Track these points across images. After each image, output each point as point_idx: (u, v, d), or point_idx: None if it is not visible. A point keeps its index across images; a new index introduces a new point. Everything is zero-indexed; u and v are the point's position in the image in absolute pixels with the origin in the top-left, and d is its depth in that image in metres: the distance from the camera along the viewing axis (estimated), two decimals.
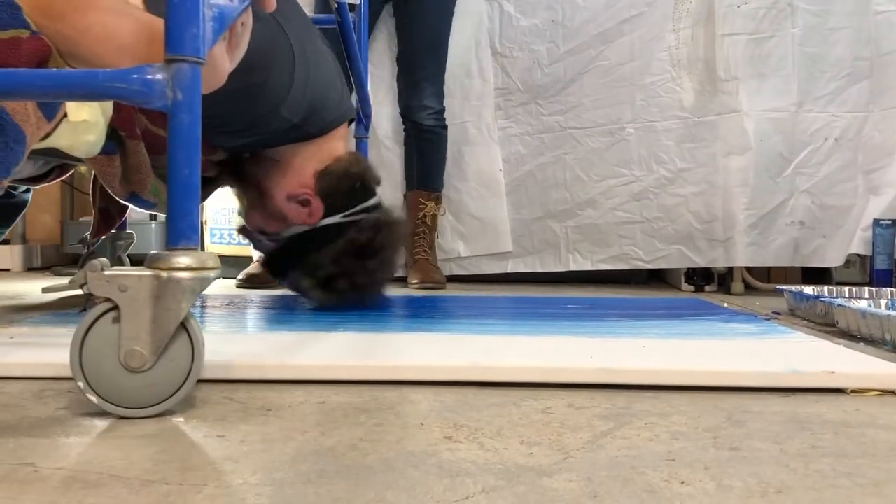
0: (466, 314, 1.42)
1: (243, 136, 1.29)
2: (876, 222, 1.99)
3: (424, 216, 2.24)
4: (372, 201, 1.40)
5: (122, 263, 1.88)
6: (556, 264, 2.31)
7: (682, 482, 0.54)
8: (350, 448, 0.62)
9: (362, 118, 1.87)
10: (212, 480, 0.53)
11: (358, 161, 1.44)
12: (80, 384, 0.69)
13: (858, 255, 2.17)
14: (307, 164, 1.35)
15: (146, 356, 0.68)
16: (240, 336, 1.12)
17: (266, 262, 1.49)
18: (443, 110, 2.24)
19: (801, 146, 2.10)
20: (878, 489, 0.54)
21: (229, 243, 2.61)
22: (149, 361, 0.68)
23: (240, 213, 1.51)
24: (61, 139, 0.93)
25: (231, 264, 2.59)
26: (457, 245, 2.35)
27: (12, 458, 0.58)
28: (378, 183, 1.45)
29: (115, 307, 0.68)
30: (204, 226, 2.60)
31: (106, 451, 0.60)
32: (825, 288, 1.62)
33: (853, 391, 0.84)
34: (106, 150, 1.06)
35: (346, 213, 1.36)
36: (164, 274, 0.67)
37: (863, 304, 1.35)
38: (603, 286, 2.31)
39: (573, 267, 2.31)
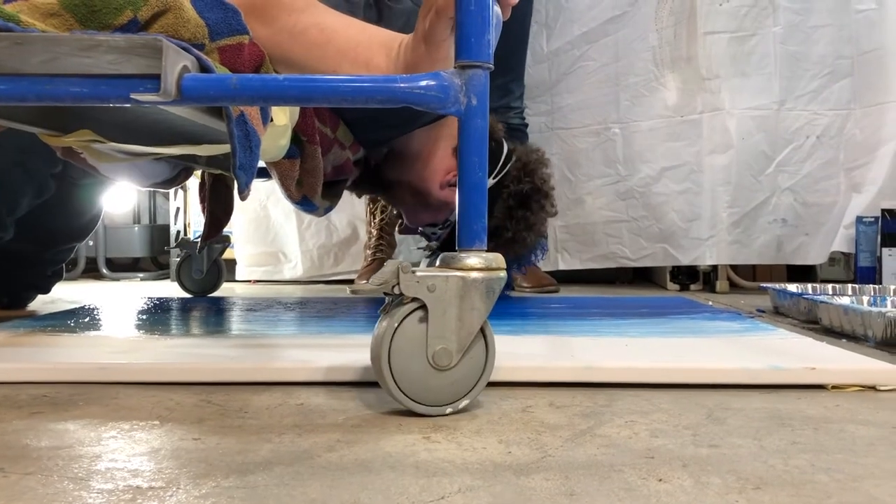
0: None
1: (395, 128, 1.31)
2: (859, 220, 2.00)
3: None
4: (506, 150, 1.45)
5: (218, 267, 1.89)
6: (545, 264, 2.30)
7: (660, 479, 0.54)
8: (326, 449, 0.61)
9: None
10: (185, 486, 0.53)
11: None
12: (390, 385, 0.71)
13: (843, 253, 2.17)
14: (442, 147, 1.36)
15: (453, 354, 0.70)
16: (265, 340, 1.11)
17: (443, 248, 1.49)
18: (525, 108, 2.21)
19: (784, 144, 2.11)
20: (856, 484, 0.54)
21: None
22: (455, 359, 0.71)
23: (399, 216, 1.53)
24: (264, 143, 0.93)
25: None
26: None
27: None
28: (503, 132, 1.49)
29: (423, 307, 0.70)
30: (188, 228, 2.58)
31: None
32: (809, 285, 1.62)
33: (834, 387, 0.84)
34: (289, 155, 1.07)
35: (495, 173, 1.41)
36: (469, 274, 0.70)
37: (845, 301, 1.35)
38: (589, 285, 2.32)
39: (562, 266, 2.31)
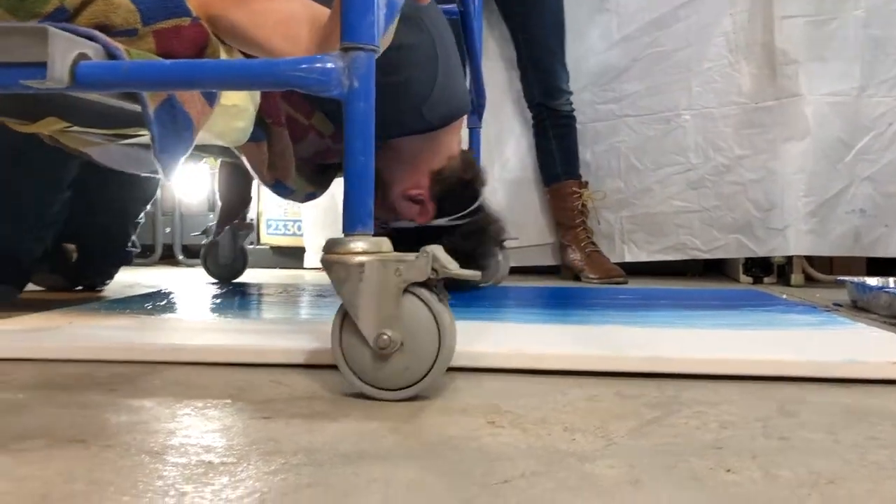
0: (515, 304, 1.41)
1: (382, 129, 1.31)
2: None
3: (583, 206, 2.21)
4: (475, 205, 1.44)
5: (244, 253, 1.94)
6: (611, 255, 2.27)
7: (728, 470, 0.53)
8: (391, 431, 0.62)
9: (476, 108, 1.86)
10: (255, 461, 0.54)
11: (470, 165, 1.46)
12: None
13: None
14: (426, 161, 1.37)
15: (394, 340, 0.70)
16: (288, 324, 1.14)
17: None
18: (572, 93, 2.21)
19: (863, 132, 2.03)
20: None
21: (284, 234, 2.64)
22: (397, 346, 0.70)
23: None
24: (216, 125, 0.96)
25: (286, 255, 2.64)
26: None
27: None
28: (484, 185, 1.48)
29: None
30: (260, 217, 2.64)
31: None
32: (891, 279, 1.56)
33: None
34: (254, 137, 1.09)
35: (453, 217, 1.40)
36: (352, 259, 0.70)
37: None
38: (658, 278, 2.28)
39: (628, 258, 2.28)
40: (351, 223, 0.72)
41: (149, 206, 1.70)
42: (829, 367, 0.82)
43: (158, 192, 2.70)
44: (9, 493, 0.47)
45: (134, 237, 1.67)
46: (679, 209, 2.21)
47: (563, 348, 0.88)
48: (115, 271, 1.68)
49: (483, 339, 0.96)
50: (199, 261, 1.99)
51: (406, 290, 0.70)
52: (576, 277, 2.19)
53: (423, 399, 0.72)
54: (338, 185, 2.35)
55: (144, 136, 0.95)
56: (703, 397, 0.75)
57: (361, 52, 0.71)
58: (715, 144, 2.15)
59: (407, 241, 1.43)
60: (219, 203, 1.90)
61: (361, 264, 0.69)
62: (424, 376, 0.71)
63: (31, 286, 1.58)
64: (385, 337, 0.69)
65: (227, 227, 1.90)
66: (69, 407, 0.69)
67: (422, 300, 0.71)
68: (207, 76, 0.74)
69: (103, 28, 0.81)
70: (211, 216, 2.82)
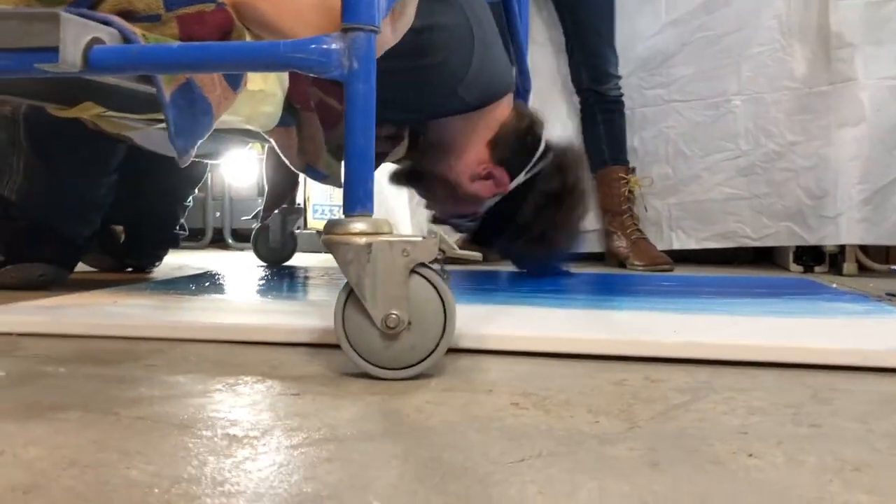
0: (553, 289, 1.40)
1: (417, 111, 1.34)
2: None
3: (630, 192, 2.19)
4: (542, 146, 1.44)
5: (293, 238, 1.98)
6: (658, 242, 2.24)
7: (751, 455, 0.52)
8: (415, 410, 0.63)
9: (522, 92, 1.85)
10: (278, 436, 0.55)
11: (522, 116, 1.46)
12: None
13: None
14: (477, 138, 1.38)
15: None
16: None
17: (472, 240, 1.55)
18: (621, 78, 2.19)
19: None
20: None
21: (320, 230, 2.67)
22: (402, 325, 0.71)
23: (429, 207, 1.58)
24: (241, 110, 0.97)
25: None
26: None
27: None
28: (543, 126, 1.48)
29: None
30: (307, 202, 2.67)
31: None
32: None
33: None
34: (283, 123, 1.10)
35: (528, 168, 1.41)
36: (358, 239, 0.70)
37: None
38: (705, 266, 2.24)
39: (676, 245, 2.24)
40: (351, 204, 0.72)
41: (197, 191, 1.74)
42: (869, 355, 0.79)
43: (209, 177, 2.78)
44: (41, 458, 0.49)
45: (182, 220, 1.70)
46: (728, 196, 2.17)
47: (593, 332, 0.88)
48: (164, 253, 1.72)
49: (515, 322, 0.96)
50: (248, 244, 2.03)
51: (412, 271, 0.71)
52: (621, 265, 2.17)
53: (450, 381, 0.73)
54: (378, 171, 2.39)
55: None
56: (735, 383, 0.73)
57: (361, 33, 0.71)
58: (766, 130, 2.10)
59: (504, 214, 1.44)
60: (266, 188, 1.93)
61: (369, 245, 0.70)
62: (429, 355, 0.72)
63: (83, 267, 1.63)
64: (393, 316, 0.70)
65: (277, 212, 1.93)
66: (107, 381, 0.71)
67: (428, 280, 0.71)
68: (210, 58, 0.75)
69: (126, 14, 0.82)
70: (260, 201, 2.87)
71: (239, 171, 2.76)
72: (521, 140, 1.40)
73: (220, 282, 1.42)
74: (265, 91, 1.00)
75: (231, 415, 0.60)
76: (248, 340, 0.88)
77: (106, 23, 0.75)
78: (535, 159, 1.41)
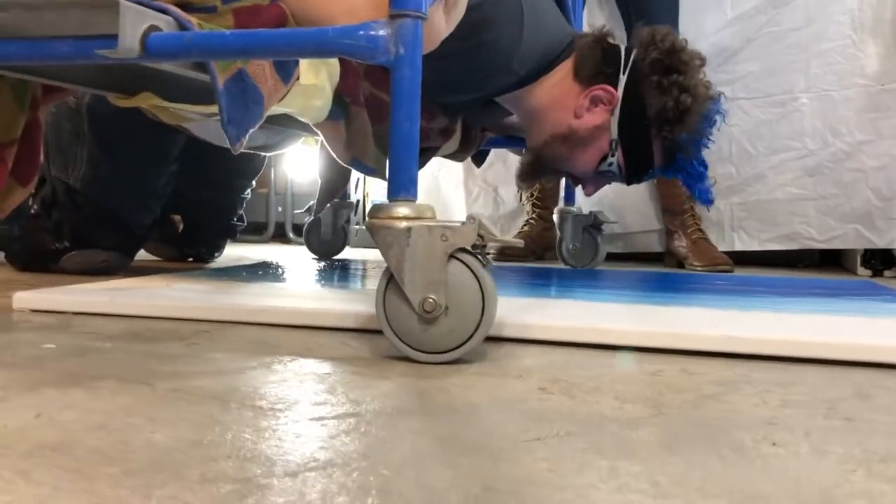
0: (606, 286, 1.39)
1: (471, 92, 1.32)
2: None
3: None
4: (623, 49, 1.38)
5: (344, 232, 2.01)
6: (720, 243, 2.19)
7: (774, 444, 0.51)
8: (440, 391, 0.63)
9: None
10: (302, 409, 0.56)
11: (584, 34, 1.42)
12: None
13: None
14: (558, 85, 1.35)
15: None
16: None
17: (632, 178, 1.43)
18: None
19: None
20: None
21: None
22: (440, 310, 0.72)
23: (576, 181, 1.52)
24: (293, 103, 0.99)
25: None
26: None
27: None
28: (609, 32, 1.42)
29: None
30: (366, 198, 2.71)
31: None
32: None
33: None
34: (332, 117, 1.12)
35: (623, 67, 1.35)
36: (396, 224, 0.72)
37: None
38: (769, 268, 2.18)
39: (738, 247, 2.19)
40: (395, 189, 0.73)
41: (258, 185, 1.78)
42: None
43: (272, 172, 2.84)
44: (75, 421, 0.51)
45: (240, 212, 1.75)
46: (794, 197, 2.11)
47: (630, 324, 0.87)
48: (223, 244, 1.77)
49: (558, 313, 0.96)
50: None
51: (451, 256, 0.71)
52: (680, 265, 2.13)
53: (484, 366, 0.73)
54: (437, 167, 2.40)
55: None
56: (774, 378, 0.72)
57: (408, 20, 0.72)
58: (834, 129, 2.03)
59: (636, 122, 1.33)
60: (319, 182, 1.96)
61: (408, 229, 0.70)
62: (467, 340, 0.72)
63: (145, 256, 1.69)
64: (430, 301, 0.71)
65: (329, 206, 1.96)
66: (148, 356, 0.73)
67: (467, 265, 0.72)
68: (261, 44, 0.77)
69: (184, 5, 0.85)
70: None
71: (301, 166, 2.81)
72: (599, 49, 1.35)
73: (272, 271, 1.45)
74: (317, 86, 1.02)
75: (261, 389, 0.62)
76: (287, 324, 0.90)
77: (163, 11, 0.78)
78: (624, 55, 1.35)
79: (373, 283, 1.32)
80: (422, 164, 1.50)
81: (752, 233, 2.18)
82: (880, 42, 1.97)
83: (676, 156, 1.39)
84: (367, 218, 0.74)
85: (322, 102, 1.06)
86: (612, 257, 2.22)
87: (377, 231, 0.72)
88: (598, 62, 1.34)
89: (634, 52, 1.35)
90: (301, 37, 0.77)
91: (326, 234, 1.98)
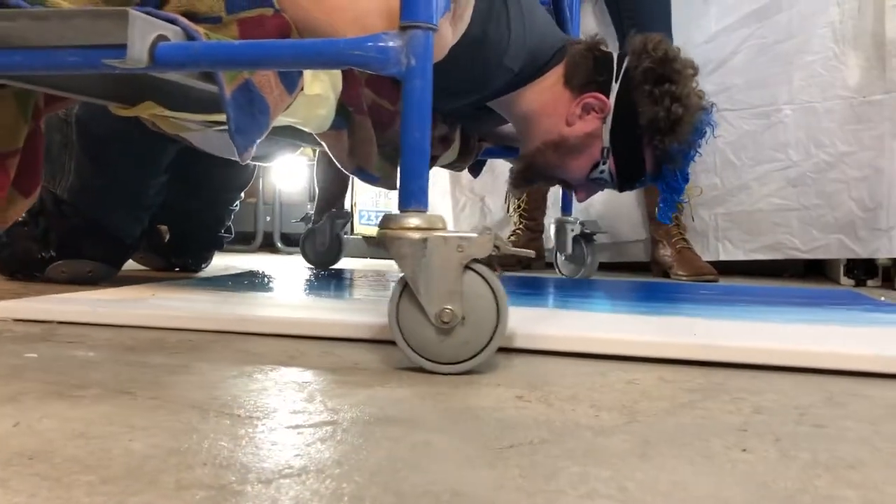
0: (585, 294, 1.40)
1: (467, 95, 1.32)
2: None
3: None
4: (616, 56, 1.38)
5: (339, 241, 2.02)
6: (705, 253, 2.20)
7: (744, 450, 0.52)
8: (420, 398, 0.64)
9: None
10: (280, 418, 0.57)
11: (577, 41, 1.42)
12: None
13: None
14: (549, 90, 1.35)
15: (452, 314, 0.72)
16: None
17: (623, 184, 1.43)
18: None
19: None
20: None
21: (377, 224, 2.71)
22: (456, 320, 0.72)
23: (568, 187, 1.52)
24: (298, 112, 1.00)
25: (378, 244, 2.70)
26: None
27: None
28: (602, 40, 1.42)
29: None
30: (353, 208, 2.71)
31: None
32: None
33: None
34: (335, 126, 1.12)
35: (616, 74, 1.34)
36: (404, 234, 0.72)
37: None
38: (753, 278, 2.20)
39: (723, 256, 2.21)
40: (406, 199, 0.74)
41: (246, 196, 1.79)
42: (890, 361, 0.78)
43: (260, 182, 2.85)
44: (54, 429, 0.52)
45: (228, 223, 1.75)
46: (777, 207, 2.13)
47: (608, 333, 0.88)
48: (210, 255, 1.77)
49: (535, 323, 0.97)
50: (296, 248, 2.06)
51: (466, 267, 0.72)
52: (665, 274, 2.15)
53: (466, 374, 0.74)
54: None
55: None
56: (749, 385, 0.73)
57: (419, 31, 0.72)
58: (817, 140, 2.06)
59: (628, 130, 1.33)
60: (317, 191, 1.97)
61: (424, 240, 0.71)
62: (482, 350, 0.73)
63: (132, 265, 1.69)
64: (447, 311, 0.71)
65: (326, 216, 1.97)
66: (131, 365, 0.74)
67: (482, 276, 0.72)
68: (271, 55, 0.78)
69: (189, 16, 0.86)
70: (310, 206, 2.92)
71: (289, 176, 2.82)
72: (591, 56, 1.35)
73: (259, 281, 1.46)
74: (321, 95, 1.03)
75: (241, 398, 0.62)
76: (272, 333, 0.90)
77: (171, 21, 0.78)
78: (615, 63, 1.35)
79: (359, 293, 1.33)
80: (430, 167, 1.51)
81: (737, 243, 2.20)
82: (861, 54, 2.00)
83: (663, 166, 1.40)
84: (379, 228, 0.75)
85: (326, 112, 1.06)
86: (599, 266, 2.23)
87: (390, 242, 0.73)
88: (589, 70, 1.34)
89: (627, 60, 1.36)
90: (312, 48, 0.78)
91: (323, 243, 1.98)
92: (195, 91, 0.91)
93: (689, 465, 0.48)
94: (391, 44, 0.72)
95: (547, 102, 1.35)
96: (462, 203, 2.45)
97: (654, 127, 1.33)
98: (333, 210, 2.00)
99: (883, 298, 1.61)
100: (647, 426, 0.57)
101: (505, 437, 0.53)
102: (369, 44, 0.73)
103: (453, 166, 1.64)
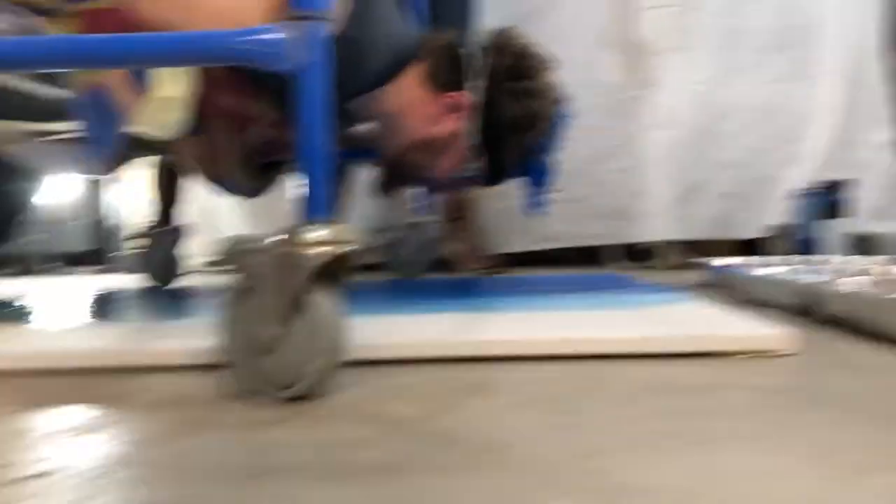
0: (372, 296, 1.39)
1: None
2: (797, 192, 1.99)
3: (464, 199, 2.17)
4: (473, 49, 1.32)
5: (171, 258, 1.86)
6: (490, 247, 2.28)
7: (490, 451, 0.52)
8: (163, 434, 0.60)
9: None
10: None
11: (434, 38, 1.34)
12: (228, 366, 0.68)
13: (791, 225, 2.17)
14: (408, 89, 1.27)
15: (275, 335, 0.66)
16: None
17: (489, 182, 1.41)
18: None
19: (724, 119, 2.10)
20: (701, 447, 0.52)
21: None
22: (280, 341, 0.66)
23: (431, 187, 1.41)
24: (150, 116, 0.91)
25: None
26: None
27: None
28: (458, 35, 1.35)
29: (251, 286, 0.66)
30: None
31: None
32: (742, 259, 1.62)
33: (728, 354, 0.83)
34: (192, 131, 1.03)
35: (476, 72, 1.29)
36: (292, 249, 0.65)
37: (767, 271, 1.35)
38: (537, 266, 2.30)
39: (506, 249, 2.29)
40: (310, 209, 0.68)
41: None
42: (644, 342, 0.83)
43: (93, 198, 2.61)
44: None
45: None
46: (554, 199, 2.23)
47: (367, 339, 0.86)
48: None
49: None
50: (70, 268, 1.89)
51: (307, 282, 0.67)
52: (456, 269, 2.19)
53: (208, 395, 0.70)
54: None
55: (71, 132, 0.89)
56: (518, 378, 0.75)
57: (314, 22, 0.67)
58: (584, 134, 2.18)
59: (491, 126, 1.26)
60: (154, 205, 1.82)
61: (263, 255, 0.66)
62: (312, 372, 0.68)
63: None
64: (274, 331, 0.67)
65: (161, 231, 1.82)
66: None
67: (321, 293, 0.68)
68: (140, 51, 0.69)
69: (29, 7, 0.75)
70: (78, 222, 2.71)
71: (56, 191, 2.61)
72: (451, 55, 1.30)
73: (25, 310, 1.33)
74: (174, 97, 0.94)
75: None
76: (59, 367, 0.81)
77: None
78: (474, 60, 1.29)
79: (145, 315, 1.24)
80: (277, 178, 1.40)
81: (519, 235, 2.29)
82: (619, 53, 2.14)
83: (528, 161, 1.41)
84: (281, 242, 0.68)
85: (181, 116, 0.98)
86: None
87: (231, 259, 0.67)
88: (450, 68, 1.30)
89: (487, 56, 1.32)
90: (190, 42, 0.70)
91: (160, 260, 1.83)
92: (23, 97, 0.81)
93: (418, 475, 0.48)
94: (283, 36, 0.66)
95: (410, 102, 1.30)
96: (254, 211, 2.37)
97: (516, 123, 1.32)
98: (169, 226, 1.86)
99: (649, 279, 1.74)
100: (402, 436, 0.57)
101: (256, 464, 0.51)
102: (258, 36, 0.66)
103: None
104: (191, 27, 0.84)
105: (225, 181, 1.17)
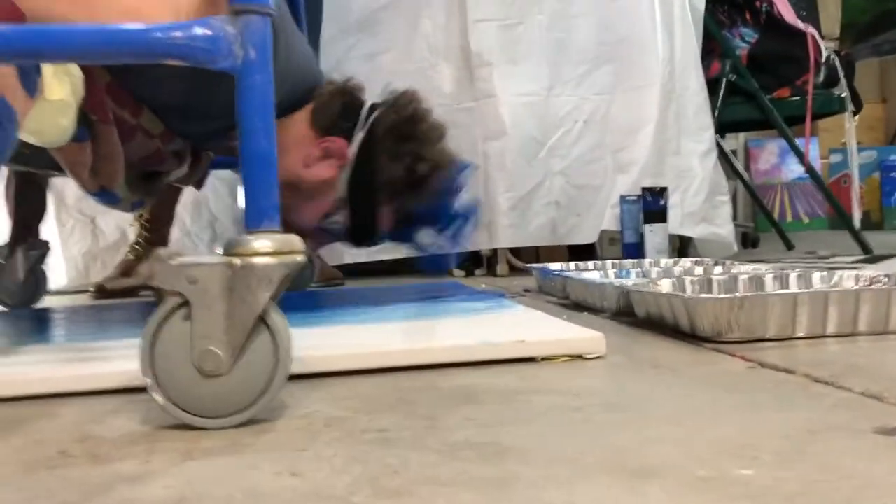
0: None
1: (214, 118, 1.10)
2: (622, 199, 2.09)
3: None
4: (369, 103, 1.26)
5: (35, 274, 1.66)
6: (330, 258, 2.24)
7: (293, 474, 0.50)
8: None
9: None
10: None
11: (332, 81, 1.29)
12: (156, 395, 0.60)
13: (618, 231, 2.27)
14: (292, 124, 1.20)
15: (223, 358, 0.59)
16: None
17: (354, 241, 1.31)
18: None
19: (554, 129, 2.17)
20: (497, 458, 0.52)
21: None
22: (227, 364, 0.59)
23: (299, 230, 1.27)
24: (37, 120, 0.81)
25: None
26: None
27: None
28: (361, 87, 1.30)
29: (186, 302, 0.59)
30: None
31: None
32: (571, 264, 1.68)
33: (544, 359, 0.84)
34: (77, 137, 0.92)
35: (363, 124, 1.22)
36: (238, 261, 0.58)
37: (590, 275, 1.39)
38: (377, 277, 2.29)
39: (347, 260, 2.26)
40: (254, 218, 0.62)
41: None
42: (463, 350, 0.83)
43: None
44: None
45: None
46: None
47: None
48: None
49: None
50: None
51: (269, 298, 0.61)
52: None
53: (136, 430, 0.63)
54: None
55: None
56: (328, 394, 0.72)
57: (256, 16, 0.61)
58: None
59: (364, 181, 1.19)
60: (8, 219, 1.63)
61: (209, 269, 0.59)
62: (259, 397, 0.62)
63: None
64: (214, 353, 0.60)
65: (21, 246, 1.63)
66: None
67: (267, 314, 0.61)
68: (56, 45, 0.61)
69: None
70: None
71: None
72: (342, 100, 1.23)
73: None
74: (64, 101, 0.84)
75: None
76: None
77: None
78: (365, 113, 1.23)
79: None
80: (156, 189, 1.30)
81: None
82: (453, 65, 2.17)
83: (404, 226, 1.31)
84: (224, 254, 0.61)
85: (68, 121, 0.87)
86: None
87: (155, 274, 0.60)
88: (336, 113, 1.23)
89: (376, 111, 1.26)
90: (117, 36, 0.62)
91: (18, 279, 1.62)
92: None
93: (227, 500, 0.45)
94: (222, 32, 0.60)
95: (289, 140, 1.20)
96: (70, 226, 2.21)
97: (392, 185, 1.24)
98: (31, 239, 1.67)
99: (484, 286, 1.76)
100: (198, 466, 0.53)
101: None
102: (195, 32, 0.60)
103: (183, 180, 1.44)
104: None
105: (105, 193, 1.07)
